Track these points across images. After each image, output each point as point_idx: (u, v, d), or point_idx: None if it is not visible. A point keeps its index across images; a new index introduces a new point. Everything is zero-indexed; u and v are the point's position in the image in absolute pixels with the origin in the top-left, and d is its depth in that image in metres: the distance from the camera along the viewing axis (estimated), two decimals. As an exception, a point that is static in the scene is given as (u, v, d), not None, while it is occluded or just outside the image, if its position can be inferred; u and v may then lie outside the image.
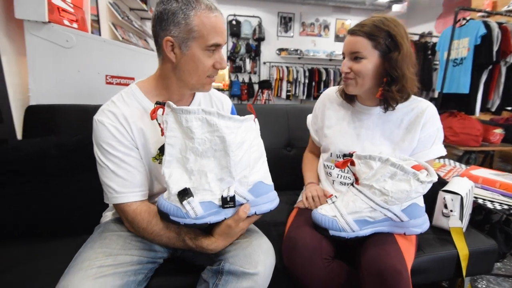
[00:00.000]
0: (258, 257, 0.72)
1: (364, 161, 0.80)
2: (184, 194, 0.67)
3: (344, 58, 0.92)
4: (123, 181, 0.74)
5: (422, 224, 0.82)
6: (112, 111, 0.75)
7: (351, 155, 0.82)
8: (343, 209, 0.80)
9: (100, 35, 3.04)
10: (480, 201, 1.16)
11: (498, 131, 2.47)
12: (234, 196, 0.68)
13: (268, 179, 0.76)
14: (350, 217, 0.79)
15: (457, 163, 1.60)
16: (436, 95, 3.34)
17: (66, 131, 1.16)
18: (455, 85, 2.58)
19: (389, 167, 0.76)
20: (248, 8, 5.93)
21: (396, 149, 0.92)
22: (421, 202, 0.82)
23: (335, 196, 0.87)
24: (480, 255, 0.98)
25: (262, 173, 0.74)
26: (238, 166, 0.68)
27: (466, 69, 2.47)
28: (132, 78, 1.73)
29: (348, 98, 1.00)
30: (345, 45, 0.90)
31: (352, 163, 0.82)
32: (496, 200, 1.15)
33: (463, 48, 2.50)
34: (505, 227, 1.12)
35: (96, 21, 3.02)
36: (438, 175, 1.23)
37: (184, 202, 0.66)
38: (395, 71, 0.84)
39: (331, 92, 1.07)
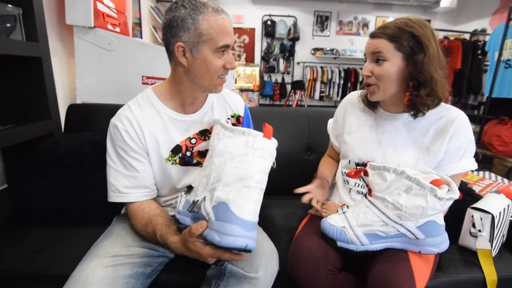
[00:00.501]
0: (260, 262, 0.73)
1: (378, 172, 0.76)
2: (187, 189, 0.73)
3: (366, 61, 0.87)
4: (127, 182, 0.81)
5: (440, 243, 0.76)
6: (127, 115, 0.81)
7: (364, 165, 0.79)
8: (353, 221, 0.77)
9: (141, 37, 3.27)
10: (519, 221, 1.04)
11: (558, 142, 2.18)
12: (195, 202, 0.65)
13: (241, 210, 0.62)
14: (360, 230, 0.76)
15: (500, 177, 1.44)
16: (485, 99, 3.04)
17: (101, 129, 1.27)
18: (507, 89, 2.33)
19: (404, 180, 0.71)
20: (283, 8, 5.90)
21: (420, 160, 0.85)
22: (440, 220, 0.76)
23: (347, 206, 0.85)
24: (512, 283, 0.89)
25: (234, 196, 0.63)
26: (212, 175, 0.65)
27: (520, 71, 2.21)
28: (165, 79, 1.84)
29: (370, 104, 0.95)
30: (366, 47, 0.85)
31: (366, 173, 0.79)
32: (540, 222, 1.02)
33: (517, 48, 2.25)
34: (548, 253, 0.99)
35: (139, 24, 3.25)
36: (472, 190, 1.14)
37: (179, 195, 0.74)
38: (421, 74, 0.78)
39: (353, 97, 1.03)
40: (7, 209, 1.13)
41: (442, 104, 0.87)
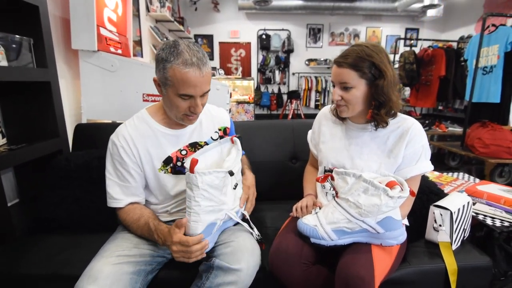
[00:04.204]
0: (243, 256, 0.85)
1: (341, 177, 0.89)
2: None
3: (334, 86, 0.99)
4: (120, 191, 0.96)
5: (398, 236, 0.88)
6: (123, 134, 0.96)
7: (331, 170, 0.92)
8: (323, 219, 0.89)
9: (142, 56, 3.45)
10: (480, 217, 1.15)
11: (536, 143, 2.29)
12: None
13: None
14: (329, 227, 0.88)
15: (472, 177, 1.56)
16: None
17: (106, 146, 1.40)
18: (485, 94, 2.46)
19: (362, 183, 0.84)
20: (277, 22, 6.15)
21: (382, 164, 0.97)
22: (396, 216, 0.88)
23: (319, 207, 0.97)
24: (472, 271, 0.99)
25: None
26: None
27: (496, 77, 2.35)
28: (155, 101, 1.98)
29: (340, 117, 1.08)
30: (333, 75, 0.97)
31: (333, 178, 0.92)
32: (498, 216, 1.13)
33: (492, 55, 2.39)
34: (504, 244, 1.10)
35: (139, 42, 3.43)
36: (440, 190, 1.25)
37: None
38: (381, 97, 0.91)
39: (326, 111, 1.16)
40: (21, 222, 1.25)
41: (400, 115, 1.00)
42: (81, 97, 1.92)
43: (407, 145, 0.95)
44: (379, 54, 0.91)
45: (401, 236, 0.88)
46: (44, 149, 1.35)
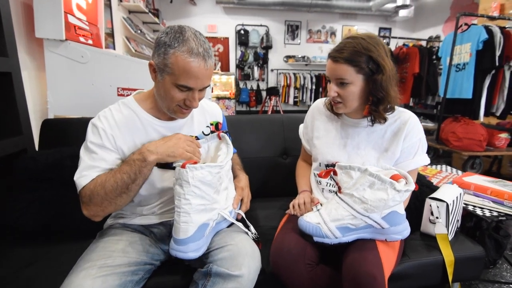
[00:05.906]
0: (243, 260, 0.78)
1: (345, 171, 0.85)
2: None
3: (329, 81, 0.94)
4: (89, 167, 0.81)
5: (402, 231, 0.86)
6: (107, 117, 0.86)
7: (333, 165, 0.88)
8: (326, 217, 0.85)
9: (114, 48, 3.22)
10: (470, 208, 1.18)
11: (504, 135, 2.46)
12: None
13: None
14: (333, 224, 0.84)
15: (454, 169, 1.61)
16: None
17: (79, 143, 1.26)
18: (458, 90, 2.58)
19: (367, 177, 0.80)
20: (256, 18, 6.08)
21: (380, 159, 0.95)
22: (401, 210, 0.86)
23: (320, 204, 0.92)
24: (467, 261, 1.00)
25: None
26: None
27: (468, 74, 2.47)
28: (142, 89, 1.85)
29: (335, 112, 1.04)
30: (329, 70, 0.91)
31: (335, 173, 0.87)
32: (486, 207, 1.17)
33: (465, 53, 2.51)
34: (494, 233, 1.13)
35: (111, 34, 3.21)
36: (430, 182, 1.27)
37: None
38: (380, 92, 0.87)
39: (319, 104, 1.11)
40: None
41: (397, 108, 0.98)
42: (47, 90, 1.73)
43: (404, 139, 0.93)
44: (376, 47, 0.86)
45: (406, 230, 0.87)
46: (6, 148, 1.18)
